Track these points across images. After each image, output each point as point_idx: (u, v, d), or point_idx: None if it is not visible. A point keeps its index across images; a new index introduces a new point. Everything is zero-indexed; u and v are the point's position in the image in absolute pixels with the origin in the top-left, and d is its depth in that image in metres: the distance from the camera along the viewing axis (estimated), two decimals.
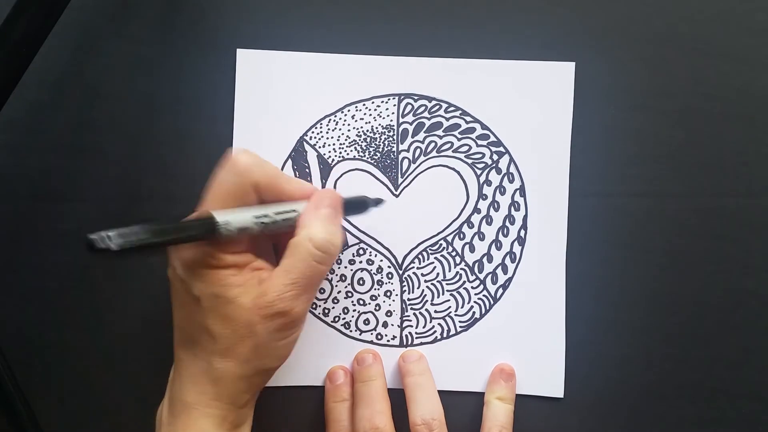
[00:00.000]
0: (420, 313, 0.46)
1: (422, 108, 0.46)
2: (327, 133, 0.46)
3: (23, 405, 0.41)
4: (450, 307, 0.46)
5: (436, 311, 0.46)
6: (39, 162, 0.46)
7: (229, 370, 0.37)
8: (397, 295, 0.46)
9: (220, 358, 0.37)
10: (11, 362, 0.42)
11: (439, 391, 0.44)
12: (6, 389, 0.41)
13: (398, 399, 0.44)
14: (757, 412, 0.45)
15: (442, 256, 0.46)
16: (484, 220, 0.46)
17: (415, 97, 0.46)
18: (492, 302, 0.46)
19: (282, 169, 0.46)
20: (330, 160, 0.46)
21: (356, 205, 0.43)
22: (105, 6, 0.46)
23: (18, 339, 0.46)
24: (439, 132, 0.46)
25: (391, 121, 0.46)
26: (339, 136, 0.46)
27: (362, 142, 0.46)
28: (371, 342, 0.46)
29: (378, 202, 0.45)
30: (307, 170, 0.46)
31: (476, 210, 0.46)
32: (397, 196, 0.46)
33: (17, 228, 0.46)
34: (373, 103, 0.46)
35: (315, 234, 0.38)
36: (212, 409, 0.38)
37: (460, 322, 0.46)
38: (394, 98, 0.46)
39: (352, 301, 0.46)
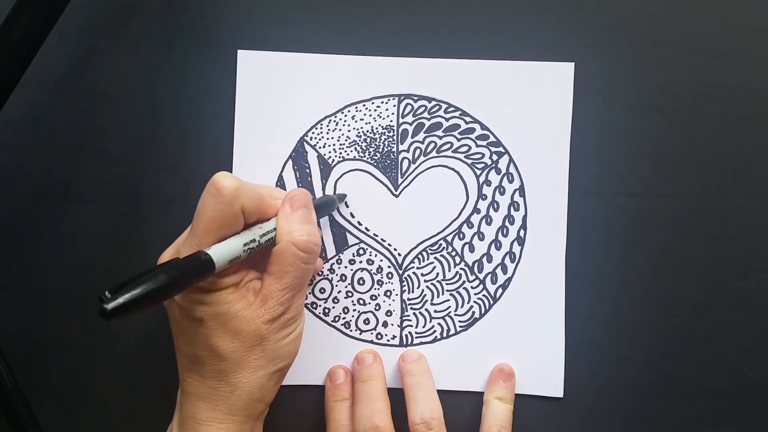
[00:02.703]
0: (420, 312, 0.46)
1: (422, 108, 0.46)
2: (327, 133, 0.46)
3: (23, 405, 0.41)
4: (450, 306, 0.46)
5: (435, 311, 0.46)
6: (39, 162, 0.46)
7: (242, 382, 0.38)
8: (397, 294, 0.46)
9: (230, 373, 0.38)
10: (11, 362, 0.42)
11: (439, 391, 0.44)
12: (6, 389, 0.41)
13: (398, 398, 0.44)
14: (757, 412, 0.45)
15: (441, 256, 0.46)
16: (484, 220, 0.46)
17: (415, 98, 0.46)
18: (491, 302, 0.46)
19: (282, 169, 0.46)
20: (330, 161, 0.46)
21: (325, 206, 0.44)
22: (105, 6, 0.46)
23: (18, 339, 0.46)
24: (439, 132, 0.46)
25: (391, 121, 0.46)
26: (339, 137, 0.46)
27: (362, 142, 0.46)
28: (371, 341, 0.46)
29: (342, 197, 0.46)
30: (307, 170, 0.46)
31: (476, 210, 0.46)
32: (397, 196, 0.46)
33: (17, 228, 0.46)
34: (373, 103, 0.46)
35: (296, 238, 0.38)
36: (226, 424, 0.38)
37: (459, 321, 0.46)
38: (394, 99, 0.46)
39: (352, 301, 0.46)
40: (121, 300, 0.30)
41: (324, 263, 0.46)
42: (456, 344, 0.46)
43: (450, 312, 0.46)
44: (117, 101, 0.46)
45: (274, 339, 0.38)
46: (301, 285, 0.39)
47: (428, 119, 0.46)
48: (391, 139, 0.46)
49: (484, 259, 0.46)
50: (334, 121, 0.46)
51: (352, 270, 0.46)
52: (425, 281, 0.46)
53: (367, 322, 0.46)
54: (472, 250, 0.46)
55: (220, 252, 0.35)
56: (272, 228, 0.39)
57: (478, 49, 0.46)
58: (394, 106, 0.46)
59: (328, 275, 0.46)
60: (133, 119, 0.46)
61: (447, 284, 0.46)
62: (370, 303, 0.46)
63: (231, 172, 0.45)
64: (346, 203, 0.46)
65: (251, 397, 0.38)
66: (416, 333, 0.46)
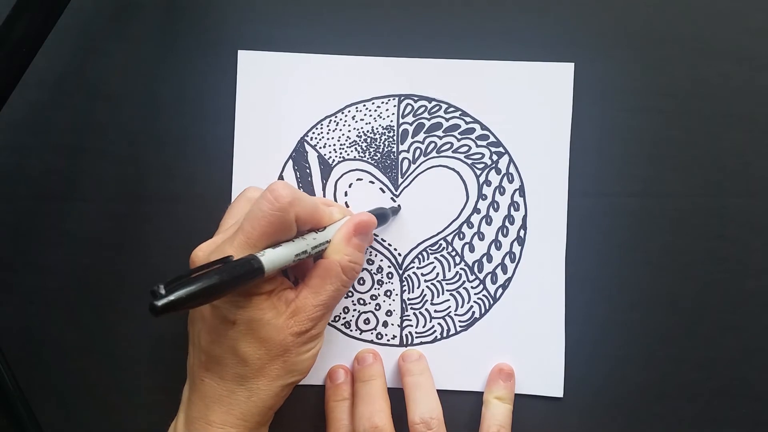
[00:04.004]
0: (420, 312, 0.46)
1: (422, 109, 0.46)
2: (327, 133, 0.46)
3: (23, 405, 0.41)
4: (450, 306, 0.46)
5: (435, 311, 0.46)
6: (39, 162, 0.46)
7: (260, 389, 0.38)
8: (397, 294, 0.46)
9: (251, 379, 0.38)
10: (11, 362, 0.42)
11: (439, 391, 0.44)
12: (6, 389, 0.41)
13: (398, 398, 0.44)
14: (757, 412, 0.45)
15: (441, 256, 0.46)
16: (484, 220, 0.46)
17: (415, 98, 0.46)
18: (491, 302, 0.46)
19: (283, 169, 0.46)
20: (330, 161, 0.46)
21: (379, 219, 0.44)
22: (105, 6, 0.46)
23: (18, 339, 0.46)
24: (439, 132, 0.46)
25: (392, 121, 0.46)
26: (339, 137, 0.46)
27: (362, 142, 0.46)
28: (371, 341, 0.46)
29: (395, 210, 0.46)
30: (307, 170, 0.46)
31: (476, 210, 0.46)
32: (397, 196, 0.46)
33: (17, 228, 0.46)
34: (373, 103, 0.46)
35: (345, 261, 0.40)
36: (237, 428, 0.38)
37: (459, 321, 0.46)
38: (394, 99, 0.46)
39: (353, 301, 0.46)
40: (173, 297, 0.30)
41: None
42: (456, 344, 0.46)
43: (450, 312, 0.46)
44: (117, 101, 0.46)
45: (296, 352, 0.39)
46: (333, 305, 0.40)
47: (428, 119, 0.46)
48: (391, 140, 0.46)
49: (484, 259, 0.46)
50: (335, 121, 0.46)
51: None
52: (425, 281, 0.46)
53: (367, 321, 0.46)
54: (472, 250, 0.46)
55: (272, 259, 0.36)
56: (324, 242, 0.40)
57: (479, 50, 0.46)
58: (395, 106, 0.46)
59: None
60: (134, 119, 0.46)
61: (447, 284, 0.46)
62: (370, 303, 0.46)
63: (231, 172, 0.46)
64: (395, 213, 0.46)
65: (265, 404, 0.39)
66: (416, 333, 0.46)
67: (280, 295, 0.39)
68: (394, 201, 0.46)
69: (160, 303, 0.30)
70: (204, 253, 0.39)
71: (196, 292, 0.31)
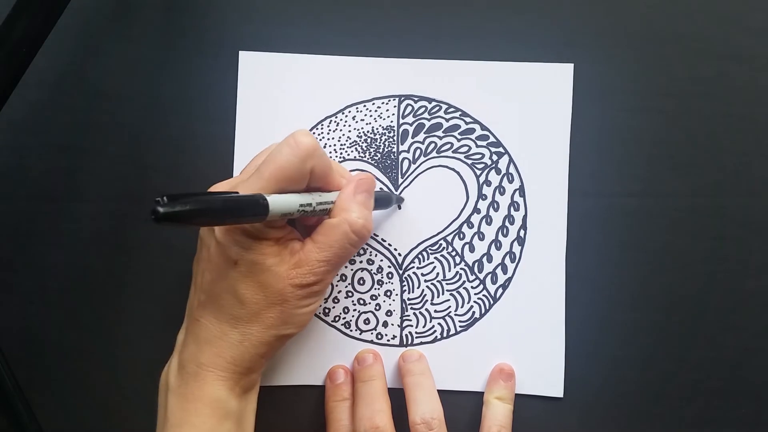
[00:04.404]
0: (420, 312, 0.46)
1: (422, 109, 0.46)
2: (328, 133, 0.46)
3: (23, 405, 0.41)
4: (450, 306, 0.46)
5: (436, 311, 0.46)
6: (39, 162, 0.46)
7: (253, 335, 0.39)
8: (397, 294, 0.46)
9: (246, 323, 0.38)
10: (11, 362, 0.42)
11: (439, 391, 0.44)
12: (6, 389, 0.41)
13: (398, 398, 0.44)
14: (757, 412, 0.45)
15: (442, 256, 0.46)
16: (484, 220, 0.46)
17: (416, 99, 0.46)
18: (492, 302, 0.46)
19: None
20: None
21: (382, 200, 0.44)
22: (105, 6, 0.46)
23: (18, 339, 0.46)
24: (439, 133, 0.46)
25: (392, 122, 0.46)
26: (340, 137, 0.46)
27: (363, 142, 0.46)
28: (371, 341, 0.46)
29: (400, 200, 0.46)
30: None
31: (476, 210, 0.46)
32: None
33: (17, 228, 0.46)
34: (373, 104, 0.46)
35: (353, 219, 0.39)
36: (227, 372, 0.39)
37: (459, 321, 0.46)
38: (394, 99, 0.46)
39: (353, 301, 0.46)
40: (176, 208, 0.31)
41: None
42: (456, 344, 0.46)
43: (450, 312, 0.46)
44: (117, 101, 0.46)
45: (294, 304, 0.39)
46: (339, 264, 0.40)
47: (428, 120, 0.46)
48: (391, 140, 0.46)
49: (484, 259, 0.46)
50: (335, 121, 0.46)
51: (352, 270, 0.46)
52: (425, 281, 0.46)
53: (367, 322, 0.46)
54: (472, 250, 0.46)
55: (277, 202, 0.36)
56: (331, 200, 0.40)
57: (479, 51, 0.46)
58: (395, 106, 0.46)
59: None
60: (134, 119, 0.46)
61: (447, 284, 0.46)
62: (370, 303, 0.46)
63: (232, 173, 0.46)
64: (399, 206, 0.46)
65: (257, 351, 0.39)
66: (416, 333, 0.46)
67: (287, 244, 0.39)
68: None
69: (162, 210, 0.30)
70: (221, 188, 0.39)
71: (196, 210, 0.32)
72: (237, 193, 0.36)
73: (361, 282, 0.46)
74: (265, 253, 0.38)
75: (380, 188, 0.46)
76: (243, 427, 0.40)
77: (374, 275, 0.46)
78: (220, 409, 0.38)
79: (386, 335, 0.46)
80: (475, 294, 0.46)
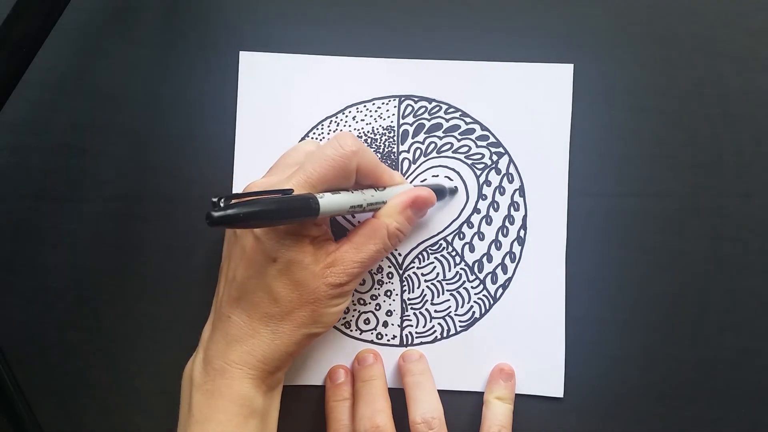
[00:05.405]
0: (420, 312, 0.46)
1: (422, 109, 0.46)
2: (328, 134, 0.46)
3: (23, 405, 0.41)
4: (450, 306, 0.46)
5: (436, 311, 0.46)
6: (39, 162, 0.46)
7: (285, 333, 0.39)
8: (397, 294, 0.46)
9: (278, 321, 0.39)
10: (11, 362, 0.42)
11: (439, 391, 0.44)
12: (6, 389, 0.41)
13: (398, 398, 0.44)
14: (757, 412, 0.45)
15: (442, 256, 0.46)
16: (484, 220, 0.46)
17: (416, 99, 0.46)
18: (492, 302, 0.46)
19: None
20: None
21: (438, 195, 0.44)
22: (105, 6, 0.46)
23: (18, 339, 0.46)
24: (439, 133, 0.46)
25: (392, 122, 0.46)
26: None
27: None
28: (371, 341, 0.46)
29: (453, 191, 0.46)
30: None
31: (476, 210, 0.46)
32: None
33: (17, 228, 0.46)
34: (373, 104, 0.46)
35: (393, 227, 0.41)
36: (256, 371, 0.39)
37: (459, 321, 0.46)
38: (394, 100, 0.46)
39: (353, 301, 0.46)
40: (230, 212, 0.32)
41: None
42: (456, 344, 0.46)
43: (450, 312, 0.46)
44: (117, 101, 0.46)
45: (326, 303, 0.39)
46: (370, 266, 0.41)
47: (429, 120, 0.46)
48: (391, 140, 0.46)
49: (484, 259, 0.46)
50: (335, 121, 0.46)
51: None
52: (425, 281, 0.46)
53: (367, 322, 0.46)
54: (472, 250, 0.46)
55: (329, 202, 0.37)
56: (381, 201, 0.41)
57: (478, 51, 0.46)
58: (395, 107, 0.46)
59: None
60: (134, 119, 0.46)
61: (447, 284, 0.46)
62: (370, 303, 0.46)
63: (232, 173, 0.46)
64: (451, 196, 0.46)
65: (287, 349, 0.39)
66: (416, 333, 0.46)
67: (322, 244, 0.40)
68: (451, 180, 0.46)
69: (217, 214, 0.31)
70: (259, 188, 0.39)
71: (252, 213, 0.32)
72: (290, 189, 0.36)
73: (361, 282, 0.46)
74: (304, 251, 0.38)
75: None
76: (267, 424, 0.41)
77: (374, 275, 0.46)
78: (247, 407, 0.39)
79: (386, 335, 0.46)
80: (475, 294, 0.46)
